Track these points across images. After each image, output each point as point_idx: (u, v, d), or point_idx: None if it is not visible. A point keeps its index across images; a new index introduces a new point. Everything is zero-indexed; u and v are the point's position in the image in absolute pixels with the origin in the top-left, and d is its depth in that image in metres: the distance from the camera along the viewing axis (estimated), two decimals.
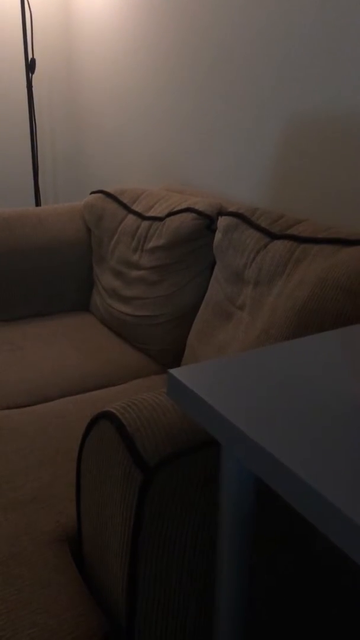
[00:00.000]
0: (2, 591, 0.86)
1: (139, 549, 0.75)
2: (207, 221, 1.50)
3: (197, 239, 1.53)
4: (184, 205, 1.58)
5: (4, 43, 2.49)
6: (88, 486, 0.86)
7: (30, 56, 2.49)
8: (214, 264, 1.53)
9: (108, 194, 1.89)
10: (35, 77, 2.60)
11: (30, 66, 2.42)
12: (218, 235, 1.44)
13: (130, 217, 1.76)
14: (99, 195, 1.91)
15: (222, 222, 1.43)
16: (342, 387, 0.61)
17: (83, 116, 2.57)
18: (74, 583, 0.87)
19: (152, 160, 2.12)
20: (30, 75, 2.43)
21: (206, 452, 0.75)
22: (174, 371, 0.64)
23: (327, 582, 0.92)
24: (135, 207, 1.78)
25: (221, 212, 1.51)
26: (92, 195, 1.94)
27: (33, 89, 2.59)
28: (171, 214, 1.59)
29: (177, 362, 1.61)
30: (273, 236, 1.28)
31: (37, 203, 2.57)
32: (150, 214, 1.69)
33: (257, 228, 1.33)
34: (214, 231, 1.51)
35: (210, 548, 0.79)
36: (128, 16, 2.09)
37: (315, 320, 1.02)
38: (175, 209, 1.59)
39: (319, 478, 0.47)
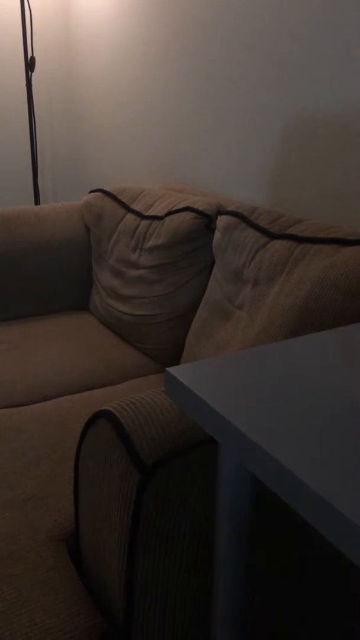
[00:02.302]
0: (0, 590, 0.85)
1: (137, 548, 0.75)
2: (207, 220, 1.50)
3: (196, 238, 1.52)
4: (183, 205, 1.57)
5: (3, 41, 2.49)
6: (86, 485, 0.86)
7: (29, 55, 2.48)
8: (213, 263, 1.52)
9: (107, 193, 1.89)
10: (34, 76, 2.60)
11: (29, 65, 2.42)
12: (217, 235, 1.44)
13: (130, 216, 1.76)
14: (98, 194, 1.91)
15: (221, 221, 1.43)
16: (340, 386, 0.61)
17: (83, 115, 2.57)
18: (71, 582, 0.87)
19: (152, 159, 2.12)
20: (29, 73, 2.43)
21: (204, 451, 0.75)
22: (171, 369, 0.64)
23: (326, 579, 0.92)
24: (134, 206, 1.77)
25: (220, 211, 1.50)
26: (91, 194, 1.93)
27: (32, 87, 2.59)
28: (170, 213, 1.59)
29: (175, 361, 1.61)
30: (272, 235, 1.28)
31: (36, 202, 2.57)
32: (150, 213, 1.69)
33: (256, 227, 1.33)
34: (213, 230, 1.51)
35: (207, 547, 0.79)
36: (128, 14, 2.09)
37: (314, 320, 1.02)
38: (175, 208, 1.59)
39: (317, 477, 0.47)
